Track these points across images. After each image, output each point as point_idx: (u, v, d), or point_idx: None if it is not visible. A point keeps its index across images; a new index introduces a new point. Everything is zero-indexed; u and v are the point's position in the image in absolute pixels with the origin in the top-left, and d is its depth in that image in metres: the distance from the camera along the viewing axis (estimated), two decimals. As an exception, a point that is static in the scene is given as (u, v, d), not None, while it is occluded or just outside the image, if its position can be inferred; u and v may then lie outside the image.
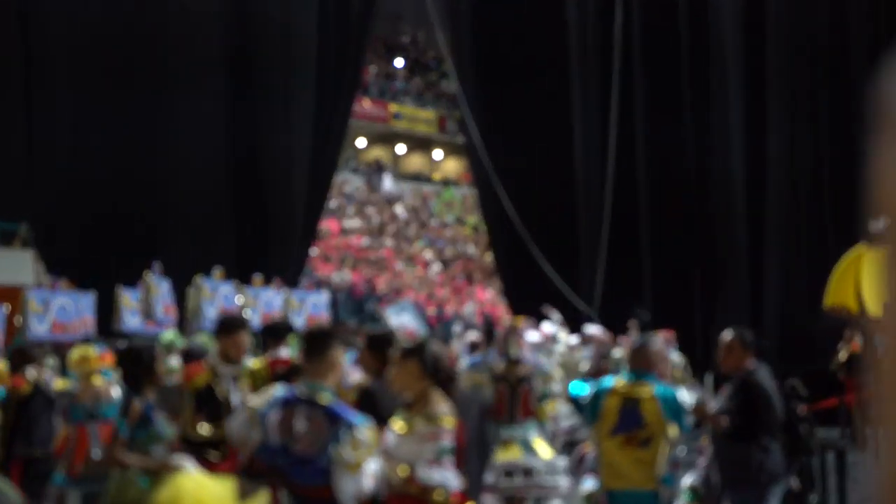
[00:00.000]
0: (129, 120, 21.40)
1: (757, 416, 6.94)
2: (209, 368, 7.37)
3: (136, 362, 7.24)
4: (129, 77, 21.74)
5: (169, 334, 11.92)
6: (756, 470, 7.17)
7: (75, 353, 10.25)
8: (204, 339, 12.29)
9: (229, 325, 7.65)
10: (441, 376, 5.81)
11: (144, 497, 5.81)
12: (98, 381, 10.06)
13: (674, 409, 6.93)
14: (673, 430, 6.90)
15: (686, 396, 7.12)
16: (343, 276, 33.11)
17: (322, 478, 5.08)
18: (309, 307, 20.38)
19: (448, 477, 5.61)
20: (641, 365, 7.18)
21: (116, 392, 9.92)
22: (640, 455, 7.00)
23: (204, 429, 7.19)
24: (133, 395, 7.27)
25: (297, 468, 5.13)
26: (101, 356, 10.11)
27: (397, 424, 5.35)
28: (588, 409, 7.59)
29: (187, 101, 22.24)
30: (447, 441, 5.59)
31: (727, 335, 7.68)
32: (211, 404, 7.25)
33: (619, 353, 16.27)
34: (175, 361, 10.92)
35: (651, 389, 6.95)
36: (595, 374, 9.97)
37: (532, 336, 12.80)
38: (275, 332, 9.02)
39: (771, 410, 7.40)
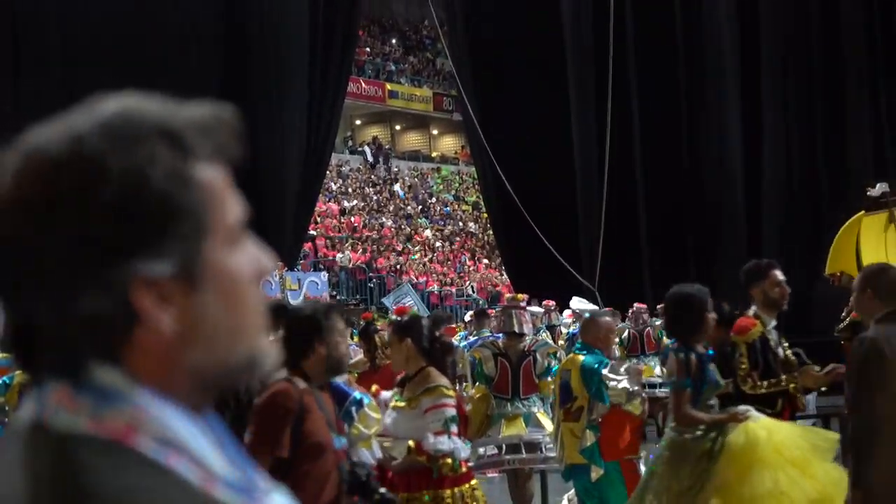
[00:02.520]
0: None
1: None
2: None
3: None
4: (122, 69, 21.70)
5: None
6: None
7: None
8: None
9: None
10: (436, 351, 5.85)
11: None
12: None
13: (589, 379, 6.89)
14: (595, 401, 6.89)
15: (615, 369, 6.99)
16: (343, 257, 33.11)
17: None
18: (306, 287, 20.40)
19: (456, 445, 5.67)
20: (586, 338, 7.20)
21: None
22: (573, 427, 7.01)
23: None
24: None
25: None
26: None
27: (398, 402, 5.36)
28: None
29: (180, 86, 22.16)
30: (452, 410, 5.64)
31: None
32: None
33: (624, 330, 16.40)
34: None
35: (580, 360, 6.94)
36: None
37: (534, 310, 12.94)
38: (275, 314, 9.04)
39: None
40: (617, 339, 16.11)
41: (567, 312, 17.38)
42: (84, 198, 1.00)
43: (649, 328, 16.65)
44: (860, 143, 20.68)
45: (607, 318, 7.35)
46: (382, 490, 4.60)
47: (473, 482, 5.87)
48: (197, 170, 1.07)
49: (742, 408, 6.27)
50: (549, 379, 8.74)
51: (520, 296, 9.65)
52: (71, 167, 1.02)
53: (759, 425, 6.10)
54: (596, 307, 15.81)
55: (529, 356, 8.97)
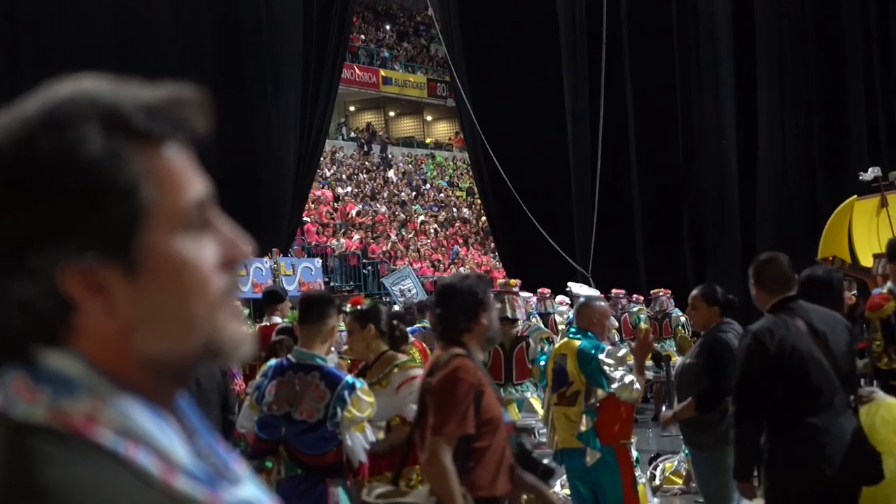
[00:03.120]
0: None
1: (723, 374, 6.80)
2: None
3: None
4: (117, 55, 21.68)
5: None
6: (717, 431, 6.81)
7: None
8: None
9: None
10: (396, 338, 5.88)
11: None
12: None
13: (586, 364, 6.89)
14: (594, 385, 6.88)
15: (612, 353, 6.97)
16: (338, 243, 33.10)
17: (327, 444, 5.11)
18: (300, 273, 20.38)
19: None
20: (580, 323, 7.19)
21: None
22: (568, 412, 7.00)
23: None
24: None
25: (302, 438, 5.16)
26: None
27: (369, 390, 5.32)
28: (541, 374, 7.64)
29: (174, 73, 22.14)
30: None
31: (693, 292, 7.35)
32: None
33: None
34: None
35: (576, 345, 6.93)
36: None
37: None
38: (273, 299, 9.13)
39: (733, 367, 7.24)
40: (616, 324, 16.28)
41: (559, 298, 17.40)
42: (7, 183, 0.98)
43: (626, 314, 16.71)
44: (855, 129, 20.68)
45: (602, 303, 7.33)
46: (545, 461, 4.56)
47: None
48: (140, 151, 1.03)
49: (866, 390, 6.12)
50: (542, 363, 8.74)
51: (512, 281, 9.67)
52: (4, 151, 1.00)
53: (884, 406, 5.91)
54: (596, 292, 15.79)
55: (522, 341, 8.99)
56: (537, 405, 8.78)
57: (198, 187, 1.11)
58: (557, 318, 16.29)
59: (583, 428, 6.82)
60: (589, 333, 7.05)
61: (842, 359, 5.39)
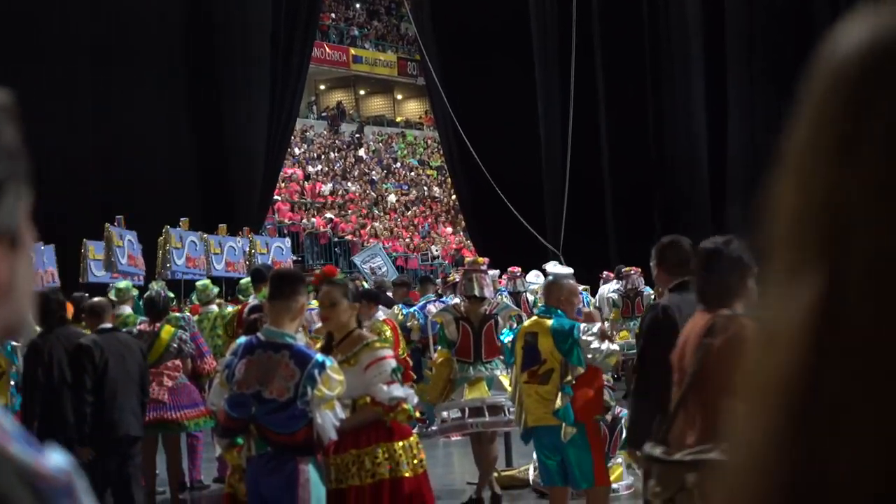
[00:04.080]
0: (84, 77, 21.37)
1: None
2: None
3: None
4: (85, 34, 21.60)
5: (122, 283, 11.92)
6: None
7: None
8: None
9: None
10: (358, 316, 5.94)
11: None
12: None
13: (562, 342, 6.94)
14: (571, 363, 6.93)
15: (589, 329, 7.00)
16: (308, 222, 33.08)
17: (297, 423, 5.14)
18: (273, 252, 20.39)
19: (409, 392, 5.75)
20: (549, 301, 7.24)
21: None
22: (540, 390, 7.05)
23: None
24: None
25: (272, 417, 5.18)
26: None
27: (339, 369, 5.35)
28: (507, 352, 7.69)
29: (144, 53, 22.11)
30: (393, 362, 5.71)
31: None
32: None
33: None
34: (127, 309, 10.97)
35: (548, 324, 6.98)
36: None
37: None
38: (259, 278, 9.20)
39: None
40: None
41: (533, 274, 17.42)
42: None
43: (640, 296, 16.76)
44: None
45: (570, 281, 7.39)
46: None
47: (414, 437, 5.94)
48: None
49: None
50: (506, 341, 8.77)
51: (480, 259, 9.70)
52: None
53: None
54: (570, 270, 15.87)
55: (491, 319, 9.02)
56: (506, 383, 8.83)
57: None
58: (529, 297, 16.37)
59: (559, 404, 6.86)
60: (558, 312, 7.09)
61: None
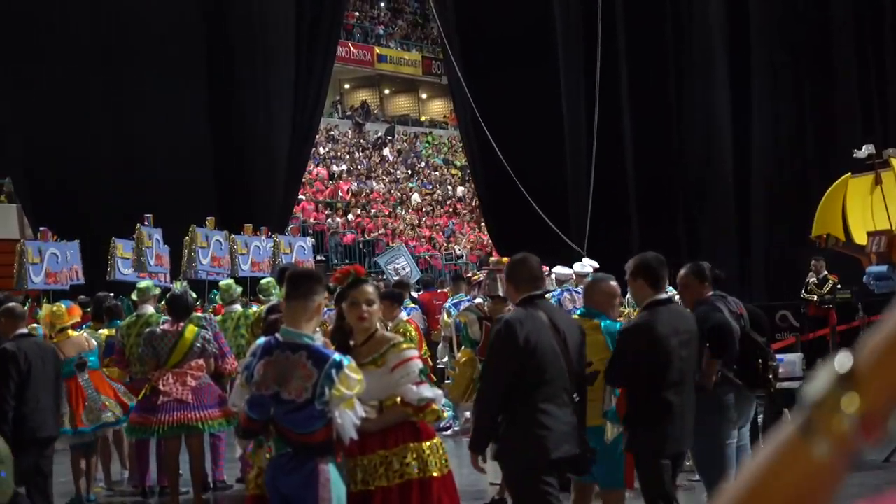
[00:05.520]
0: (108, 77, 21.46)
1: (724, 331, 6.99)
2: None
3: None
4: (106, 34, 21.67)
5: (144, 282, 11.97)
6: (706, 412, 6.88)
7: (45, 310, 10.55)
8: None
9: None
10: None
11: None
12: (75, 333, 10.35)
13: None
14: None
15: None
16: (333, 222, 33.12)
17: (316, 423, 5.11)
18: (296, 252, 20.44)
19: (438, 393, 5.72)
20: (588, 303, 7.22)
21: (91, 342, 10.31)
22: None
23: None
24: None
25: (291, 417, 5.15)
26: (69, 310, 10.42)
27: (361, 370, 5.31)
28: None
29: (166, 52, 22.19)
30: (420, 363, 5.68)
31: (681, 272, 7.61)
32: None
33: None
34: (150, 309, 11.02)
35: (595, 324, 6.96)
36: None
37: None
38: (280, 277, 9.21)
39: (726, 344, 7.29)
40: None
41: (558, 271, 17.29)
42: None
43: None
44: (848, 108, 20.69)
45: (610, 282, 7.34)
46: None
47: (438, 438, 5.92)
48: None
49: None
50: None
51: (504, 259, 9.66)
52: None
53: None
54: (590, 269, 15.76)
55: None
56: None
57: None
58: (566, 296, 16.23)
59: (612, 405, 6.85)
60: (600, 313, 7.06)
61: (575, 357, 6.02)
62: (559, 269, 16.05)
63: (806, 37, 21.22)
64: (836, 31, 20.90)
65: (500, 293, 9.02)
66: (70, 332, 10.30)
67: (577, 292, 14.90)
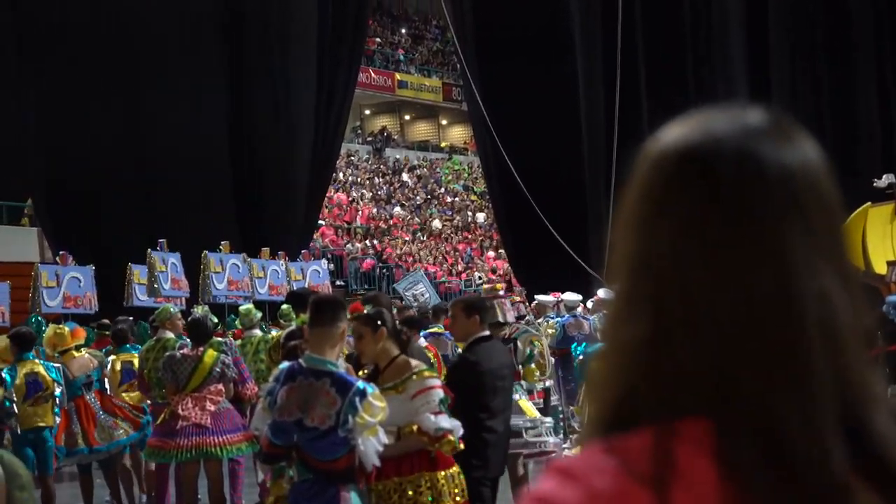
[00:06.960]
0: (129, 99, 21.55)
1: None
2: None
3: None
4: (127, 56, 21.76)
5: (162, 307, 12.02)
6: None
7: (49, 332, 10.66)
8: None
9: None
10: (402, 342, 5.91)
11: None
12: (79, 353, 10.47)
13: None
14: None
15: None
16: (352, 247, 33.17)
17: (339, 450, 5.10)
18: (310, 276, 20.43)
19: (456, 423, 5.70)
20: None
21: (94, 362, 10.39)
22: None
23: None
24: None
25: (314, 444, 5.15)
26: (73, 332, 10.54)
27: (382, 396, 5.31)
28: (578, 370, 7.72)
29: (187, 75, 22.27)
30: (441, 392, 5.67)
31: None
32: None
33: None
34: (169, 333, 11.04)
35: None
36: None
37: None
38: (299, 302, 9.23)
39: None
40: None
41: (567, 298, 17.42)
42: None
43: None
44: (868, 135, 20.67)
45: None
46: None
47: (456, 467, 5.90)
48: None
49: None
50: (532, 366, 8.92)
51: (498, 286, 9.80)
52: None
53: None
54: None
55: (510, 344, 9.08)
56: (526, 407, 8.93)
57: None
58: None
59: None
60: None
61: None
62: (568, 296, 16.17)
63: (823, 25, 21.26)
64: (855, 21, 20.86)
65: (500, 319, 9.10)
66: (74, 352, 10.42)
67: (585, 318, 15.04)
